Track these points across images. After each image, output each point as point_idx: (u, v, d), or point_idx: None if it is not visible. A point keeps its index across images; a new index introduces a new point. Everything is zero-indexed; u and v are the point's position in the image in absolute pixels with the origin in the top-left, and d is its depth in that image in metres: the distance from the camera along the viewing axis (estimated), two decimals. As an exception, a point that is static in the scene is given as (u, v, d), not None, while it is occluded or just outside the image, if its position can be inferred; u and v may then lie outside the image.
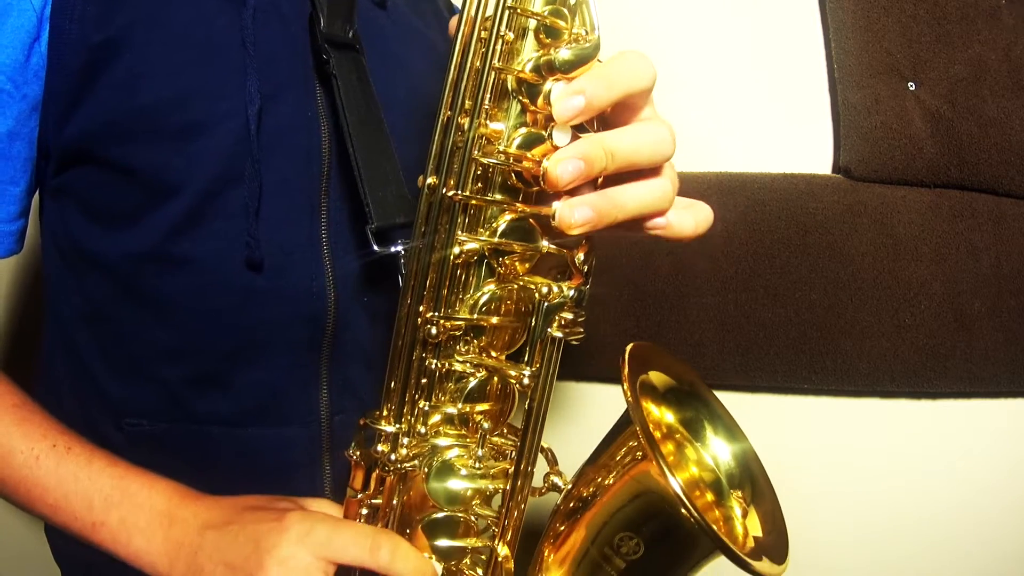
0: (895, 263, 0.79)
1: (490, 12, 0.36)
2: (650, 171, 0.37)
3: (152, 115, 0.44)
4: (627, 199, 0.36)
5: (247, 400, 0.50)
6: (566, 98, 0.34)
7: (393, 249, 0.44)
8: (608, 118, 0.38)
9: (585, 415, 0.88)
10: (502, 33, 0.36)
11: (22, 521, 0.92)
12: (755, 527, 0.44)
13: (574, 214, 0.35)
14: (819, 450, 0.86)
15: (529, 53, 0.37)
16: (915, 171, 0.78)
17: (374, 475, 0.43)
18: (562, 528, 0.44)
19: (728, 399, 0.85)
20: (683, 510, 0.37)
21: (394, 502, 0.43)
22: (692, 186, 0.80)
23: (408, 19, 0.58)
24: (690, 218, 0.38)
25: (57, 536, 0.52)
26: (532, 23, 0.37)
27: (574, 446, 0.85)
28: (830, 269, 0.79)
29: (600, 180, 0.37)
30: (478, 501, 0.43)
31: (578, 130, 0.38)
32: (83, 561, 0.47)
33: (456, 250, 0.39)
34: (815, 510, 0.86)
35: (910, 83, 0.78)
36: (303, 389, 0.51)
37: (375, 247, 0.45)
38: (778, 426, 0.85)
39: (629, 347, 0.43)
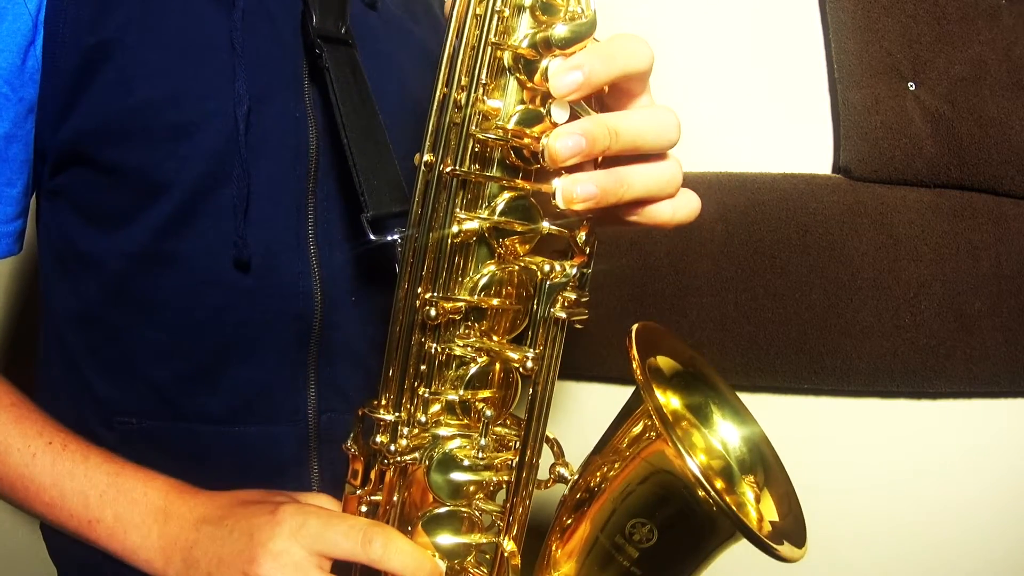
0: (895, 263, 0.79)
1: None
2: (656, 155, 0.37)
3: (144, 115, 0.45)
4: (634, 179, 0.35)
5: (235, 398, 0.50)
6: (564, 73, 0.34)
7: (389, 238, 0.44)
8: (606, 103, 0.38)
9: (585, 416, 0.88)
10: (498, 9, 0.36)
11: (19, 520, 0.92)
12: (770, 512, 0.43)
13: (576, 189, 0.34)
14: (819, 450, 0.85)
15: (525, 30, 0.37)
16: (915, 171, 0.78)
17: (373, 470, 0.42)
18: (569, 521, 0.43)
19: (728, 399, 0.86)
20: (701, 492, 0.36)
21: (395, 498, 0.42)
22: (692, 186, 0.79)
23: (399, 19, 0.58)
24: (668, 205, 0.38)
25: (53, 535, 0.52)
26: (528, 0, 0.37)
27: (575, 447, 0.85)
28: (830, 269, 0.79)
29: (600, 161, 0.37)
30: (481, 495, 0.42)
31: (578, 111, 0.37)
32: (78, 560, 0.47)
33: (455, 229, 0.38)
34: (815, 510, 0.86)
35: (910, 83, 0.78)
36: (291, 388, 0.51)
37: (371, 236, 0.44)
38: (778, 426, 0.85)
39: (635, 327, 0.42)
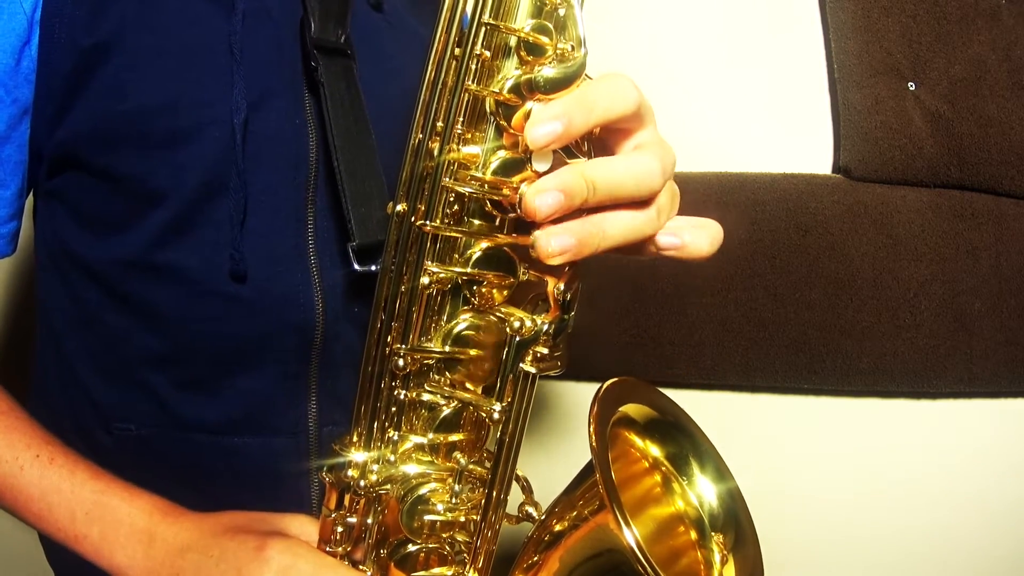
0: (895, 263, 0.79)
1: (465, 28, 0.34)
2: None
3: (139, 121, 0.44)
4: (610, 227, 0.34)
5: (234, 409, 0.50)
6: (540, 124, 0.32)
7: (374, 268, 0.44)
8: (600, 139, 0.37)
9: (582, 414, 0.87)
10: (477, 52, 0.34)
11: (17, 523, 0.91)
12: None
13: (551, 243, 0.32)
14: (819, 450, 0.85)
15: (511, 71, 0.35)
16: (915, 171, 0.78)
17: (348, 496, 0.42)
18: (535, 558, 0.43)
19: (728, 399, 0.86)
20: (639, 566, 0.36)
21: (369, 521, 0.42)
22: (692, 186, 0.80)
23: (406, 21, 0.56)
24: (705, 237, 0.37)
25: (50, 539, 0.52)
26: (513, 40, 0.35)
27: (569, 447, 0.84)
28: (830, 269, 0.79)
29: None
30: (452, 532, 0.42)
31: (567, 154, 0.36)
32: (76, 564, 0.47)
33: (425, 280, 0.37)
34: (814, 510, 0.86)
35: (910, 83, 0.78)
36: (291, 399, 0.51)
37: (355, 266, 0.44)
38: (778, 426, 0.85)
39: (604, 385, 0.42)
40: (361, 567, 0.43)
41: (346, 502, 0.42)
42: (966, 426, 0.83)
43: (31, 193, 0.50)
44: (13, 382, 0.51)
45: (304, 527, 0.44)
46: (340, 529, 0.42)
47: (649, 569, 0.36)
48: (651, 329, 0.82)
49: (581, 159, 0.36)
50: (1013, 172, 0.77)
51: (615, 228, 0.34)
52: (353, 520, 0.42)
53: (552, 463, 0.84)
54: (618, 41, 0.82)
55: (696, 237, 0.37)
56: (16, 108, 0.44)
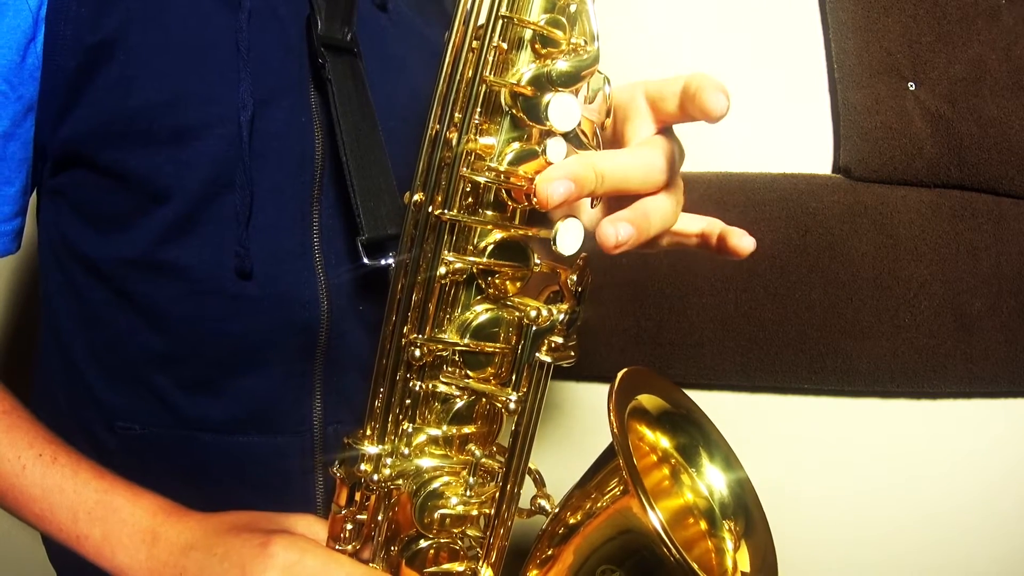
0: (895, 263, 0.79)
1: (482, 21, 0.35)
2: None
3: (144, 118, 0.44)
4: (605, 169, 0.35)
5: (238, 407, 0.50)
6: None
7: (383, 262, 0.44)
8: (615, 130, 0.38)
9: (582, 415, 0.88)
10: (495, 44, 0.35)
11: (19, 523, 0.91)
12: (744, 563, 0.43)
13: (550, 187, 0.33)
14: (819, 450, 0.85)
15: (525, 64, 0.36)
16: (915, 171, 0.78)
17: (359, 492, 0.42)
18: (549, 552, 0.43)
19: (728, 399, 0.86)
20: (664, 548, 0.36)
21: (379, 518, 0.42)
22: (692, 186, 0.79)
23: (411, 21, 0.57)
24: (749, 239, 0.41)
25: (53, 539, 0.52)
26: (528, 33, 0.35)
27: (569, 447, 0.84)
28: (830, 269, 0.79)
29: (593, 202, 0.37)
30: (465, 527, 0.42)
31: (576, 145, 0.37)
32: (78, 565, 0.47)
33: (442, 270, 0.38)
34: (814, 510, 0.86)
35: (910, 83, 0.78)
36: (296, 398, 0.51)
37: (365, 260, 0.44)
38: (778, 426, 0.85)
39: (620, 374, 0.42)
40: (371, 565, 0.43)
41: (357, 498, 0.42)
42: (966, 426, 0.83)
43: (35, 191, 0.50)
44: (16, 381, 0.51)
45: (311, 526, 0.44)
46: (350, 526, 0.42)
47: (674, 550, 0.36)
48: (651, 329, 0.82)
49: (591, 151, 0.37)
50: (1013, 172, 0.77)
51: (616, 170, 0.36)
52: (363, 517, 0.42)
53: (552, 461, 0.84)
54: (619, 41, 0.82)
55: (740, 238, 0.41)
56: (21, 105, 0.44)
